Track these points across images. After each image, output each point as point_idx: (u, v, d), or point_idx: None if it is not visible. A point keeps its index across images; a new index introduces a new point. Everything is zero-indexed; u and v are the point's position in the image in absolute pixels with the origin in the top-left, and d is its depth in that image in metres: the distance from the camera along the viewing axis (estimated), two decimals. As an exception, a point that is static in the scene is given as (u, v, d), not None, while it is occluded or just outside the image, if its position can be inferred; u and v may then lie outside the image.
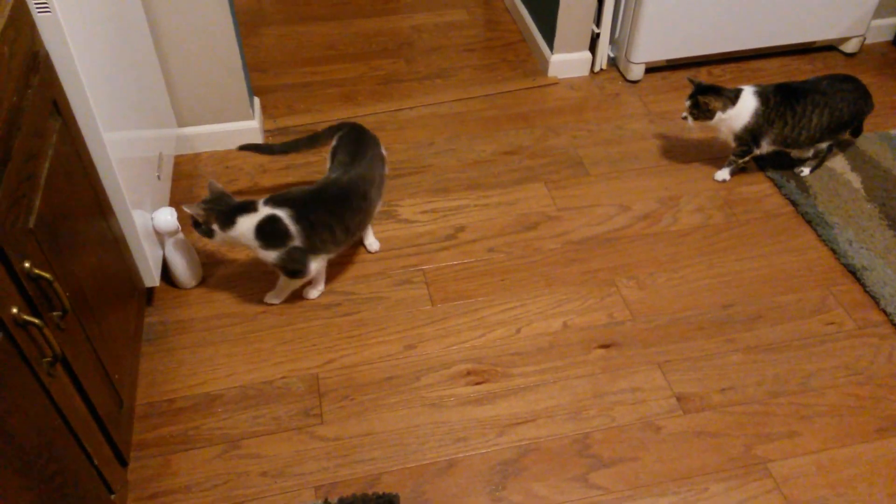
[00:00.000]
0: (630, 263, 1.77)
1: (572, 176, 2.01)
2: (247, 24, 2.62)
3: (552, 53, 2.33)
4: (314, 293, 1.68)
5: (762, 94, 1.86)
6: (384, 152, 1.72)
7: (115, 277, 1.40)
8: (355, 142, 1.68)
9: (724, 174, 1.98)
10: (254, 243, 1.51)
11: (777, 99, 1.85)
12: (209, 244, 1.78)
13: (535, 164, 2.05)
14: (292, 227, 1.49)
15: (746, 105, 1.85)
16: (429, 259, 1.78)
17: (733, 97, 1.86)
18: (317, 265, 1.58)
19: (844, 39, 2.42)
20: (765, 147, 1.91)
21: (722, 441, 1.42)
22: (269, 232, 1.49)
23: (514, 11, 2.65)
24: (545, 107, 2.25)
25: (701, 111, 1.87)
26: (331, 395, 1.49)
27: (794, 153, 1.96)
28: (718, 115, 1.86)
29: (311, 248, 1.53)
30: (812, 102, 1.85)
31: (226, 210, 1.50)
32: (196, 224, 1.53)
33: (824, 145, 1.94)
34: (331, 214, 1.53)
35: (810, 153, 1.95)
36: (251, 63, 2.42)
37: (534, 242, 1.82)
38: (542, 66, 2.39)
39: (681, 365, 1.55)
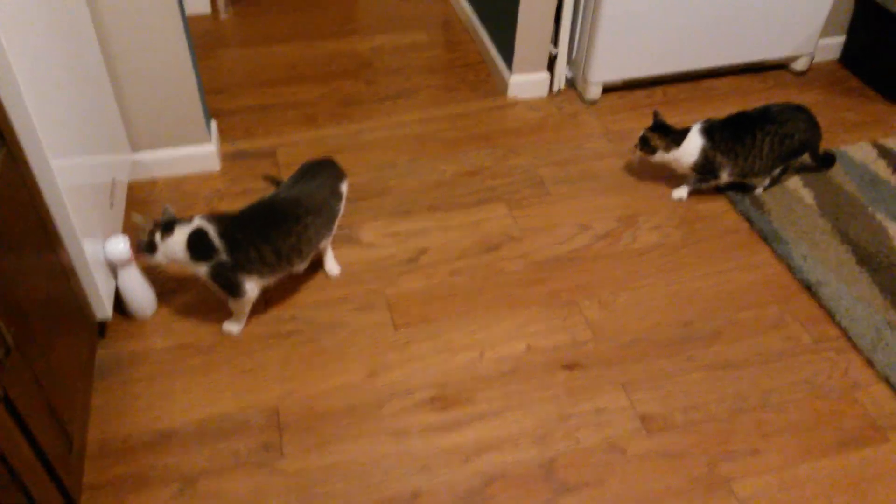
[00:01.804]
0: (591, 283, 1.78)
1: (533, 196, 2.02)
2: (203, 45, 2.59)
3: (511, 74, 2.35)
4: (234, 328, 1.63)
5: (709, 131, 1.91)
6: (343, 189, 1.69)
7: (65, 310, 1.35)
8: (309, 170, 1.67)
9: (681, 192, 2.01)
10: (184, 255, 1.49)
11: (724, 134, 1.90)
12: (162, 271, 1.74)
13: (496, 185, 2.05)
14: (217, 241, 1.48)
15: (693, 144, 1.91)
16: (391, 283, 1.76)
17: (678, 139, 1.91)
18: (252, 286, 1.54)
19: (794, 58, 2.49)
20: (724, 178, 1.95)
21: (686, 461, 1.42)
22: (196, 244, 1.49)
23: (472, 33, 2.67)
24: (505, 127, 2.26)
25: (645, 145, 1.93)
26: (291, 427, 1.46)
27: (753, 181, 2.00)
28: (660, 153, 1.92)
29: (241, 266, 1.50)
30: (762, 132, 1.89)
31: (166, 222, 1.50)
32: (141, 243, 1.51)
33: (778, 171, 1.98)
34: (257, 233, 1.51)
35: (766, 182, 2.00)
36: (208, 85, 2.38)
37: (496, 264, 1.82)
38: (502, 86, 2.41)
39: (643, 384, 1.56)
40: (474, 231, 1.90)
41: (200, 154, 2.02)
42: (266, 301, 1.70)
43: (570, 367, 1.59)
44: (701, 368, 1.59)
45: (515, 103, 2.36)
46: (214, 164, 2.05)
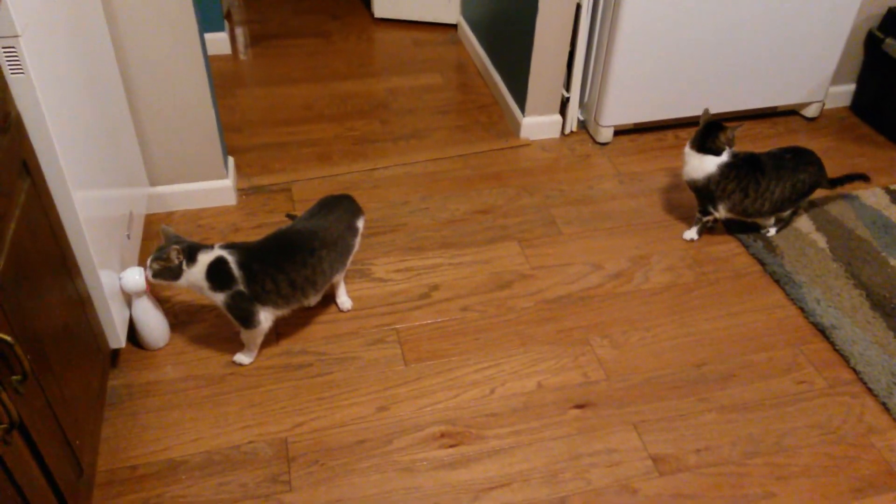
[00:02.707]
0: (603, 322, 1.77)
1: (545, 235, 2.03)
2: (223, 84, 2.66)
3: (524, 116, 2.39)
4: (245, 359, 1.64)
5: (733, 155, 1.91)
6: (359, 225, 1.70)
7: (80, 339, 1.36)
8: (327, 204, 1.69)
9: (691, 233, 2.02)
10: (205, 283, 1.50)
11: (742, 167, 1.89)
12: (177, 298, 1.75)
13: (508, 223, 2.07)
14: (236, 270, 1.50)
15: (707, 162, 1.89)
16: (402, 318, 1.76)
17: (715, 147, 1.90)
18: (265, 316, 1.55)
19: (805, 104, 2.52)
20: (722, 212, 1.95)
21: (699, 504, 1.40)
22: (216, 273, 1.50)
23: (486, 76, 2.73)
24: (518, 167, 2.29)
25: (712, 144, 1.89)
26: (300, 460, 1.45)
27: (757, 221, 2.01)
28: (698, 154, 1.90)
29: (257, 297, 1.52)
30: (776, 176, 1.89)
31: (189, 247, 1.51)
32: (162, 269, 1.50)
33: (786, 213, 2.00)
34: (273, 264, 1.53)
35: (772, 222, 2.00)
36: (226, 123, 2.44)
37: (508, 301, 1.82)
38: (514, 128, 2.45)
39: (656, 425, 1.54)
40: (486, 268, 1.92)
41: (217, 189, 2.05)
42: (277, 334, 1.71)
43: (581, 405, 1.58)
44: (714, 410, 1.57)
45: (528, 144, 2.40)
46: (231, 199, 2.08)
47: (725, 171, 1.89)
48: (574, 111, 2.41)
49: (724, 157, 1.89)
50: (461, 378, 1.63)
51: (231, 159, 2.18)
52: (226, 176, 2.06)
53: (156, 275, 1.51)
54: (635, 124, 2.43)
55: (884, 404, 1.58)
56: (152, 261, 1.50)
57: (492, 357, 1.68)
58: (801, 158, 1.93)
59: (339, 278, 1.75)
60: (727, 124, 1.88)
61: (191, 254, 1.51)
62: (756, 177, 1.89)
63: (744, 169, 1.89)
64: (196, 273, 1.50)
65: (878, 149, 2.42)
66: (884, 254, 1.96)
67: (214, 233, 1.99)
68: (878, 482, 1.44)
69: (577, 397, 1.59)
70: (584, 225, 2.07)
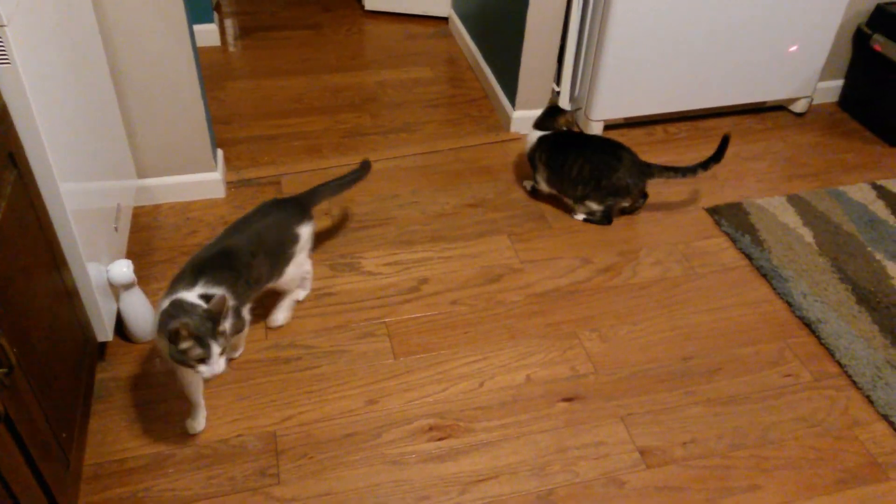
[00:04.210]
0: (592, 316, 1.78)
1: (535, 229, 2.04)
2: (213, 77, 2.64)
3: (514, 110, 2.39)
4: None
5: (558, 132, 2.04)
6: (302, 232, 1.61)
7: (67, 331, 1.36)
8: (266, 210, 1.59)
9: (579, 215, 2.08)
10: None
11: (556, 141, 2.02)
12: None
13: (498, 217, 2.07)
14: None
15: (533, 134, 2.07)
16: (391, 311, 1.77)
17: (540, 123, 2.08)
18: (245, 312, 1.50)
19: (793, 100, 2.54)
20: (542, 183, 2.07)
21: (684, 496, 1.41)
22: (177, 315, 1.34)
23: (477, 69, 2.73)
24: (508, 161, 2.30)
25: (550, 124, 2.07)
26: (288, 453, 1.45)
27: (567, 201, 2.07)
28: (534, 131, 2.08)
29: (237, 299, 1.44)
30: (579, 156, 1.96)
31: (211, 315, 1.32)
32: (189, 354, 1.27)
33: (595, 205, 2.01)
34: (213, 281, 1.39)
35: (580, 208, 2.05)
36: (216, 115, 2.42)
37: (497, 295, 1.83)
38: (505, 122, 2.45)
39: (643, 418, 1.55)
40: (475, 262, 1.92)
41: (206, 182, 2.04)
42: (267, 328, 1.70)
43: (569, 398, 1.59)
44: (701, 403, 1.58)
45: (518, 138, 2.40)
46: (219, 192, 2.08)
47: (541, 143, 2.03)
48: (565, 106, 2.41)
49: (546, 132, 2.04)
50: (450, 371, 1.63)
51: (220, 152, 2.17)
52: (214, 168, 2.05)
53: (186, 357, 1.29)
54: (625, 119, 2.43)
55: (868, 397, 1.60)
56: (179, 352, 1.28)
57: (481, 350, 1.68)
58: (613, 150, 1.96)
59: (283, 287, 1.65)
60: (565, 109, 2.08)
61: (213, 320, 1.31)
62: (565, 152, 1.98)
63: (557, 143, 2.01)
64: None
65: (866, 144, 2.44)
66: (869, 248, 1.98)
67: (203, 225, 1.98)
68: (862, 474, 1.46)
69: (566, 390, 1.60)
70: (572, 219, 2.07)
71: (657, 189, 2.18)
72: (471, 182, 2.20)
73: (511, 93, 2.40)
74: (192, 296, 1.34)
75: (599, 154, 1.95)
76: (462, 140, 2.38)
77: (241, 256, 1.47)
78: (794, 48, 2.08)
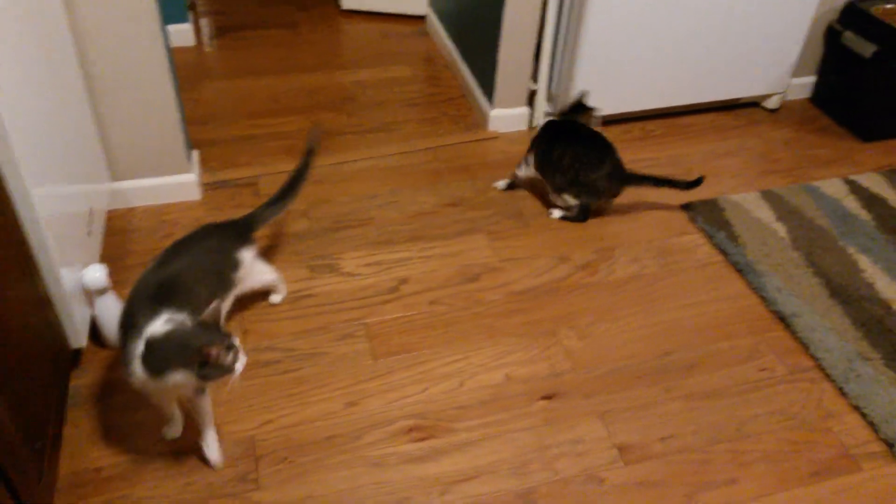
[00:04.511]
0: (570, 313, 1.79)
1: (513, 227, 2.04)
2: (188, 77, 2.61)
3: (492, 108, 2.39)
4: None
5: (552, 121, 2.08)
6: (244, 257, 1.53)
7: (40, 338, 1.34)
8: (199, 237, 1.49)
9: (555, 213, 2.09)
10: None
11: (555, 127, 2.04)
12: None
13: (476, 216, 2.07)
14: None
15: (545, 119, 2.13)
16: (371, 312, 1.76)
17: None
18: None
19: (767, 96, 2.57)
20: (531, 167, 2.08)
21: (663, 491, 1.42)
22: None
23: (454, 68, 2.72)
24: (486, 160, 2.30)
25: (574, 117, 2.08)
26: (268, 457, 1.44)
27: (548, 191, 2.08)
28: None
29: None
30: (567, 144, 1.98)
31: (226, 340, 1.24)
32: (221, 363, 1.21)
33: (571, 199, 2.02)
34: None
35: (559, 202, 2.06)
36: (192, 116, 2.40)
37: (476, 294, 1.83)
38: (483, 120, 2.45)
39: (622, 414, 1.56)
40: (455, 261, 1.92)
41: (181, 183, 2.02)
42: (244, 331, 1.69)
43: (548, 396, 1.60)
44: (678, 399, 1.60)
45: (496, 137, 2.40)
46: (195, 194, 2.06)
47: (545, 126, 2.07)
48: (542, 103, 2.42)
49: (553, 118, 2.09)
50: (431, 371, 1.63)
51: (196, 153, 2.15)
52: (189, 170, 2.03)
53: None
54: (602, 117, 2.44)
55: (841, 389, 1.63)
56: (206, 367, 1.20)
57: (461, 350, 1.69)
58: (601, 150, 1.97)
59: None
60: (589, 106, 2.06)
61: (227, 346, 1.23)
62: (558, 138, 2.01)
63: (557, 128, 2.03)
64: None
65: (838, 139, 2.47)
66: (842, 243, 2.01)
67: (178, 228, 1.96)
68: (836, 465, 1.49)
69: (545, 388, 1.61)
70: (551, 217, 2.08)
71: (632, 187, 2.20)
72: (449, 181, 2.20)
73: (489, 91, 2.41)
74: (162, 325, 1.24)
75: (587, 149, 1.96)
76: (440, 139, 2.38)
77: (185, 283, 1.37)
78: None
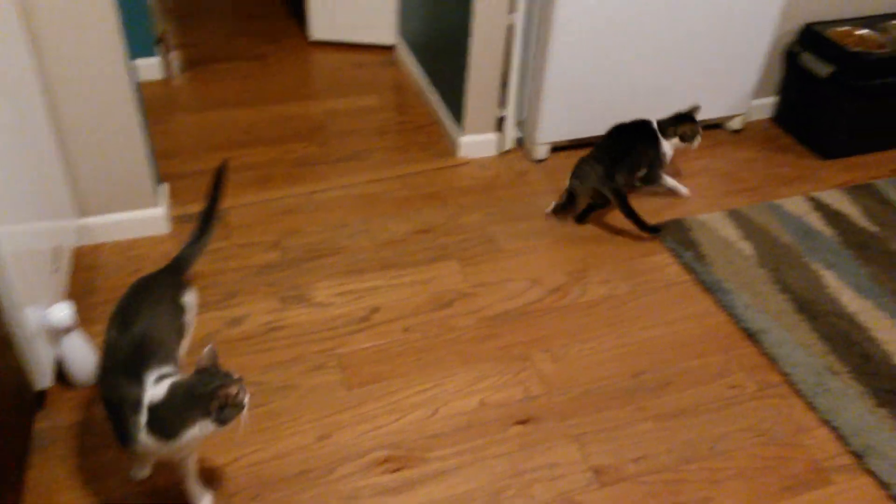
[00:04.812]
0: (543, 337, 1.80)
1: (485, 252, 2.06)
2: (157, 110, 2.61)
3: (462, 135, 2.42)
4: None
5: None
6: (187, 300, 1.47)
7: (3, 380, 1.31)
8: (138, 293, 1.41)
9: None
10: None
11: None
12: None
13: (448, 242, 2.08)
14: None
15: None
16: (343, 342, 1.75)
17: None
18: None
19: (730, 117, 2.63)
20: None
21: (639, 513, 1.43)
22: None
23: (424, 96, 2.75)
24: (457, 186, 2.32)
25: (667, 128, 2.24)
26: (239, 495, 1.42)
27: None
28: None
29: None
30: (612, 132, 2.21)
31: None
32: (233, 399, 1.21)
33: (571, 179, 2.16)
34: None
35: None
36: (161, 149, 2.39)
37: (449, 320, 1.83)
38: (453, 147, 2.47)
39: (596, 436, 1.57)
40: (427, 288, 1.92)
41: (149, 218, 2.01)
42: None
43: (523, 421, 1.60)
44: (651, 419, 1.61)
45: (466, 163, 2.43)
46: (164, 228, 2.04)
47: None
48: (511, 129, 2.46)
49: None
50: (404, 400, 1.62)
51: (165, 187, 2.14)
52: (158, 204, 2.02)
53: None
54: (570, 140, 2.48)
55: (810, 404, 1.65)
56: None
57: (434, 377, 1.68)
58: (619, 149, 2.14)
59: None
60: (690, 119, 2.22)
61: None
62: (616, 129, 2.22)
63: (622, 126, 2.23)
64: None
65: (800, 158, 2.53)
66: (806, 259, 2.05)
67: (148, 263, 1.94)
68: (808, 479, 1.50)
69: (519, 413, 1.61)
70: (522, 241, 2.10)
71: (602, 209, 2.23)
72: (420, 208, 2.21)
73: (458, 118, 2.43)
74: (155, 386, 1.21)
75: (613, 142, 2.15)
76: (411, 166, 2.40)
77: (154, 339, 1.32)
78: None
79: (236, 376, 1.21)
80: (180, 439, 1.19)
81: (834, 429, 1.60)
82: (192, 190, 2.23)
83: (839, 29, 2.47)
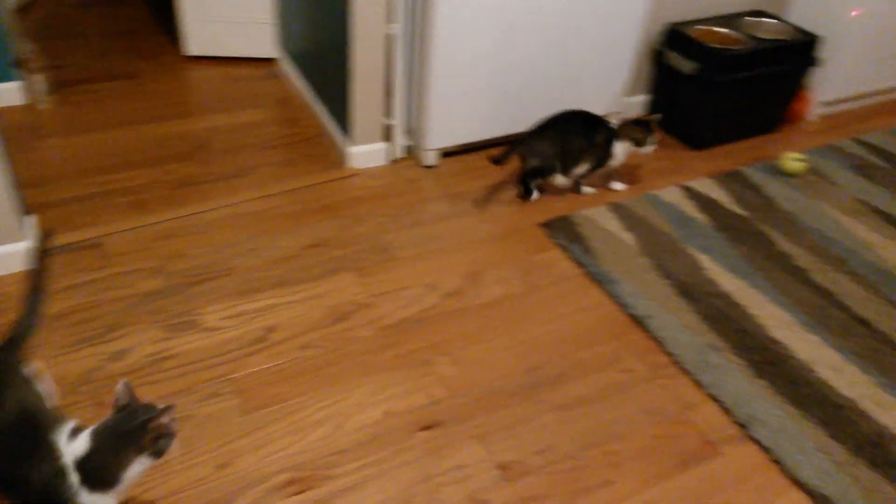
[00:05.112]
0: (443, 341, 1.81)
1: (380, 262, 2.04)
2: (20, 138, 2.43)
3: (350, 146, 2.40)
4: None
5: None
6: (29, 373, 1.31)
7: None
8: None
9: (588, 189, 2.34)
10: None
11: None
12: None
13: (342, 255, 2.06)
14: None
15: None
16: (238, 367, 1.69)
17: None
18: None
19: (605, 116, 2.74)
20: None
21: (546, 503, 1.46)
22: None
23: (310, 108, 2.71)
24: (348, 197, 2.30)
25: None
26: (131, 537, 1.34)
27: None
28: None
29: None
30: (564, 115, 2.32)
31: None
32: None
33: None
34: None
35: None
36: (27, 179, 2.23)
37: (347, 333, 1.81)
38: (342, 158, 2.45)
39: (499, 434, 1.59)
40: (323, 302, 1.89)
41: (14, 253, 1.86)
42: (97, 403, 1.57)
43: (428, 427, 1.59)
44: (550, 410, 1.65)
45: (356, 174, 2.41)
46: (32, 263, 1.90)
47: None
48: (400, 137, 2.46)
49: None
50: (305, 419, 1.59)
51: (32, 218, 1.99)
52: (24, 238, 1.88)
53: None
54: (460, 146, 2.52)
55: (696, 381, 1.74)
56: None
57: (336, 393, 1.65)
58: (565, 125, 2.29)
59: None
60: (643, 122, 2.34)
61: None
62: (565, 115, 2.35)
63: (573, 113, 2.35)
64: None
65: (673, 151, 2.68)
66: (683, 245, 2.17)
67: (13, 302, 1.80)
68: (699, 452, 1.58)
69: (424, 419, 1.61)
70: (416, 248, 2.11)
71: (492, 210, 2.27)
72: (311, 222, 2.17)
73: (345, 129, 2.41)
74: (72, 442, 1.15)
75: (560, 121, 2.28)
76: (300, 180, 2.35)
77: (33, 405, 1.23)
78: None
79: (162, 405, 1.17)
80: (122, 483, 1.14)
81: (719, 402, 1.69)
82: (62, 219, 2.09)
83: (701, 28, 2.64)
